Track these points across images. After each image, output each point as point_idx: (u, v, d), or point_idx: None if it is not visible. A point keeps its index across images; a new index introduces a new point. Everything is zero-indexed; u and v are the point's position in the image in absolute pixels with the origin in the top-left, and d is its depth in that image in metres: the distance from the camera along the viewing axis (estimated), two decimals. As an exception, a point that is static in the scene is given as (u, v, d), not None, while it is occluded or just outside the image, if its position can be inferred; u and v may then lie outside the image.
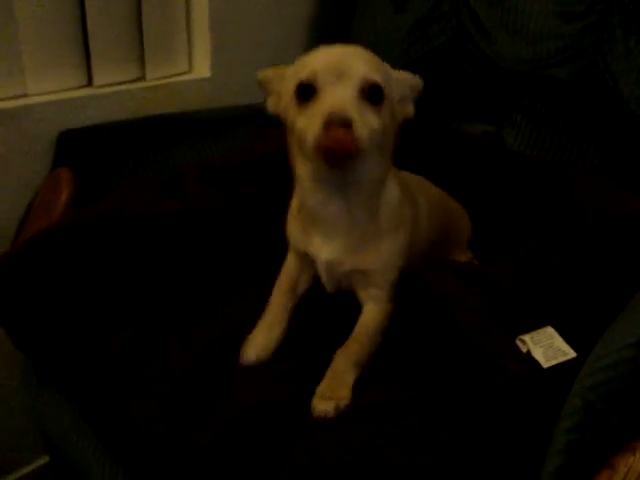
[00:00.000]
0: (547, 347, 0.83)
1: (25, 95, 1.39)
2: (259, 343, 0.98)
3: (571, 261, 0.99)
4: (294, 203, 1.03)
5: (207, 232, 1.16)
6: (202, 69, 1.63)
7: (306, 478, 0.76)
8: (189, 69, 1.64)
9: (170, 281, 1.11)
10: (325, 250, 0.97)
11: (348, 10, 1.70)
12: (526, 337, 0.84)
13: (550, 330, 0.86)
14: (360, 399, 0.86)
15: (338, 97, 0.81)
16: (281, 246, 1.16)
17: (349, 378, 0.90)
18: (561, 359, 0.82)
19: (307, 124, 0.82)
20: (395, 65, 1.56)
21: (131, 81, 1.53)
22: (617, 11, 1.34)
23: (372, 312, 0.97)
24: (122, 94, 1.48)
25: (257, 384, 0.91)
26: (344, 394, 0.88)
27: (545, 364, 0.81)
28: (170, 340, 1.01)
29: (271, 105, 0.95)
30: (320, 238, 0.97)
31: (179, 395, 0.93)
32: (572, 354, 0.83)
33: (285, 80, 0.90)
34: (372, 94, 0.83)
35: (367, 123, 0.81)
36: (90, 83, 1.48)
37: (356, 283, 0.99)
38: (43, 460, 1.56)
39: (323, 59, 0.85)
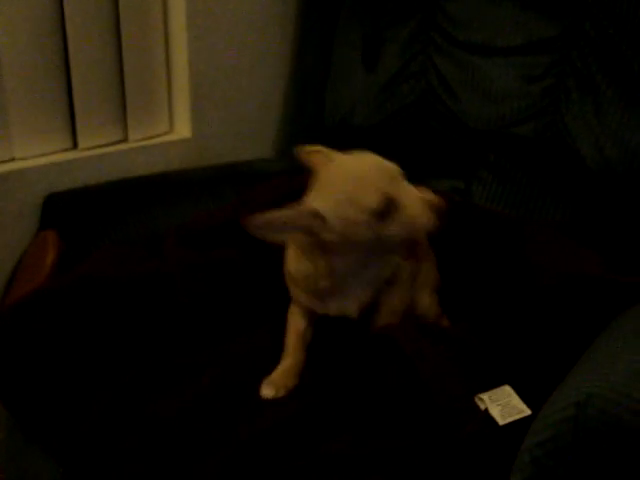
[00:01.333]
0: (504, 405, 0.89)
1: (13, 159, 1.46)
2: (279, 381, 1.05)
3: (528, 321, 1.05)
4: (307, 268, 1.06)
5: (185, 294, 1.22)
6: (183, 130, 1.70)
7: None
8: (170, 130, 1.72)
9: (150, 341, 1.16)
10: (351, 301, 1.08)
11: (324, 69, 1.78)
12: (484, 396, 0.90)
13: (507, 389, 0.91)
14: (325, 450, 0.91)
15: (416, 192, 0.97)
16: (259, 306, 1.22)
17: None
18: (517, 417, 0.88)
19: (400, 227, 0.95)
20: (367, 123, 1.65)
21: (114, 143, 1.60)
22: (572, 74, 1.43)
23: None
24: (106, 156, 1.55)
25: (231, 444, 0.96)
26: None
27: (501, 422, 0.87)
28: (150, 400, 1.05)
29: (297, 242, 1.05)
30: (336, 303, 1.08)
31: (163, 452, 0.97)
32: (527, 412, 0.89)
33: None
34: None
35: None
36: (75, 146, 1.55)
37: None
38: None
39: (376, 181, 0.95)
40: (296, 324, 1.14)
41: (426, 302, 1.20)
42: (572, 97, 1.43)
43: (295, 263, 1.08)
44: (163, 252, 1.32)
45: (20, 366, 1.12)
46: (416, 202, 0.96)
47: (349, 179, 0.98)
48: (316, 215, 0.95)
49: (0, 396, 1.16)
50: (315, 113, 1.78)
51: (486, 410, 0.88)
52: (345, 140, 1.74)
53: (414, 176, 1.63)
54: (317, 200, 0.97)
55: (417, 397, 0.93)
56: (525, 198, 1.49)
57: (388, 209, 0.94)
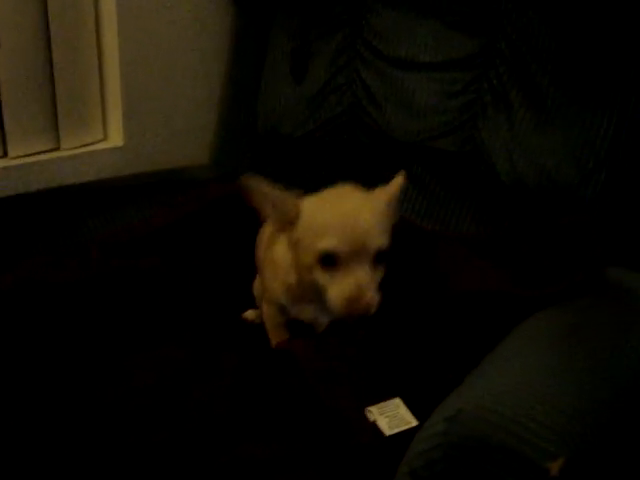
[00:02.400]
0: (392, 417, 0.95)
1: (-59, 168, 1.47)
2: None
3: (430, 333, 1.11)
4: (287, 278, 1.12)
5: (108, 301, 1.26)
6: (115, 138, 1.72)
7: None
8: (103, 137, 1.74)
9: (74, 346, 1.20)
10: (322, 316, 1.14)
11: (256, 79, 1.82)
12: (373, 408, 0.96)
13: (397, 401, 0.98)
14: (241, 451, 0.97)
15: (357, 280, 0.94)
16: (181, 312, 1.27)
17: None
18: (403, 427, 0.94)
19: (330, 285, 0.96)
20: (296, 133, 1.69)
21: (46, 151, 1.62)
22: (489, 91, 1.49)
23: None
24: (37, 165, 1.57)
25: (164, 439, 1.00)
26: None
27: (388, 432, 0.93)
28: (81, 402, 1.09)
29: (271, 220, 1.07)
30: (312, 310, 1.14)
31: (96, 456, 1.00)
32: (414, 423, 0.95)
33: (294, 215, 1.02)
34: (381, 257, 0.98)
35: (377, 284, 0.97)
36: (5, 154, 1.57)
37: None
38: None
39: (342, 233, 0.95)
40: (271, 316, 1.20)
41: None
42: (488, 113, 1.49)
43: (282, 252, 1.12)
44: (89, 260, 1.36)
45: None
46: (345, 287, 0.95)
47: (339, 213, 0.99)
48: (296, 207, 1.01)
49: None
50: (248, 121, 1.83)
51: (374, 422, 0.94)
52: (276, 149, 1.80)
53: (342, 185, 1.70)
54: (310, 201, 1.03)
55: (315, 409, 0.99)
56: (443, 210, 1.56)
57: (328, 263, 0.97)
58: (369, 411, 0.96)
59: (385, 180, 1.65)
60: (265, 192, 1.03)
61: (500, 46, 1.47)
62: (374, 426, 0.94)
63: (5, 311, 1.23)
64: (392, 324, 1.18)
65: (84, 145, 1.68)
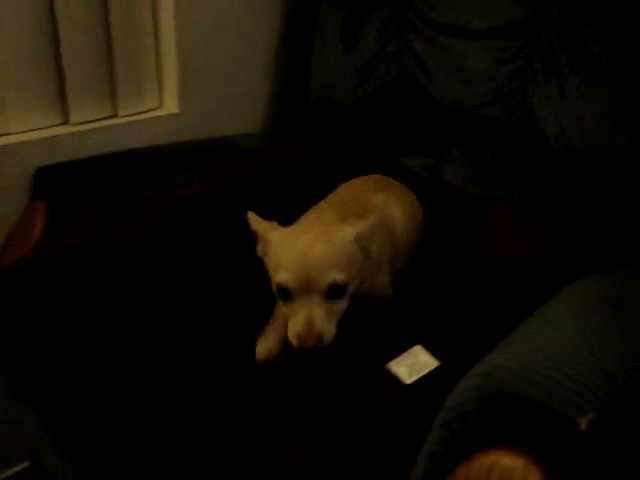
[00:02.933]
0: (412, 365, 0.97)
1: (7, 134, 1.55)
2: (270, 342, 1.10)
3: (465, 298, 1.13)
4: None
5: (161, 262, 1.31)
6: (171, 105, 1.77)
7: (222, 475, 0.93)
8: (159, 105, 1.79)
9: (126, 305, 1.26)
10: None
11: (307, 49, 1.84)
12: (391, 363, 0.99)
13: (417, 348, 1.00)
14: (263, 409, 1.01)
15: (307, 314, 0.97)
16: (228, 274, 1.31)
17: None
18: (424, 372, 0.96)
19: (289, 318, 1.00)
20: (346, 101, 1.71)
21: (104, 118, 1.68)
22: (539, 58, 1.48)
23: None
24: (96, 131, 1.63)
25: (194, 396, 1.06)
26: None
27: (408, 380, 0.95)
28: (123, 358, 1.16)
29: (259, 253, 1.11)
30: None
31: (127, 406, 1.07)
32: (435, 364, 0.97)
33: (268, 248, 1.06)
34: (336, 291, 0.99)
35: (332, 317, 0.99)
36: (66, 121, 1.63)
37: None
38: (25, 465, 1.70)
39: (293, 268, 0.98)
40: None
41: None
42: (538, 80, 1.49)
43: None
44: (143, 223, 1.41)
45: (6, 326, 1.23)
46: (297, 321, 0.98)
47: (294, 248, 1.01)
48: (266, 241, 1.06)
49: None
50: (300, 90, 1.85)
51: (394, 374, 0.97)
52: (326, 117, 1.83)
53: (390, 153, 1.72)
54: (277, 234, 1.06)
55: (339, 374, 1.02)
56: (492, 177, 1.56)
57: (283, 296, 1.01)
58: (388, 366, 0.99)
59: (432, 147, 1.69)
60: (254, 224, 1.08)
61: (552, 11, 1.46)
62: (394, 377, 0.97)
63: (63, 272, 1.29)
64: (430, 288, 1.21)
65: (141, 112, 1.74)
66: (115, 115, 1.70)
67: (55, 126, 1.62)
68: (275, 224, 1.09)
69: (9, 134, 1.55)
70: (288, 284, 0.98)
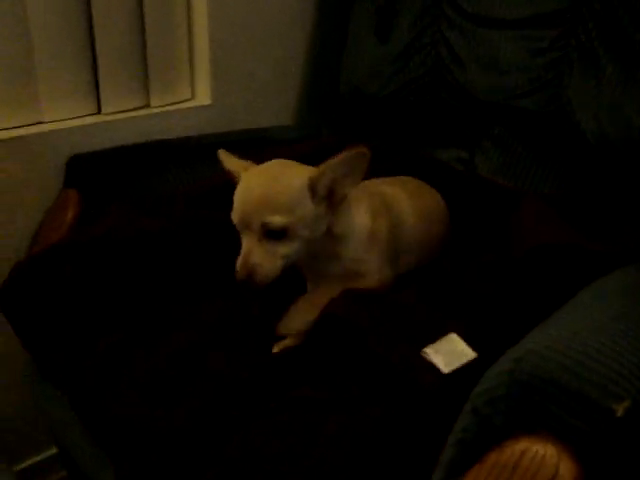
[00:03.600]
0: (449, 353, 0.95)
1: (40, 122, 1.56)
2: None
3: (497, 285, 1.11)
4: None
5: (188, 249, 1.31)
6: (203, 97, 1.78)
7: (245, 458, 0.93)
8: (191, 96, 1.80)
9: (152, 291, 1.27)
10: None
11: (340, 40, 1.83)
12: (428, 349, 0.96)
13: (453, 336, 0.98)
14: (295, 393, 1.00)
15: (245, 247, 1.03)
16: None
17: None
18: (461, 362, 0.94)
19: None
20: (380, 93, 1.69)
21: (137, 108, 1.69)
22: (576, 48, 1.45)
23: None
24: (128, 121, 1.64)
25: (215, 385, 1.05)
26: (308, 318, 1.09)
27: (446, 370, 0.93)
28: (150, 343, 1.17)
29: None
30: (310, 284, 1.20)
31: (155, 388, 1.08)
32: (472, 355, 0.95)
33: None
34: (273, 234, 1.02)
35: (272, 258, 1.03)
36: (99, 111, 1.65)
37: None
38: (53, 450, 1.72)
39: (236, 207, 1.05)
40: None
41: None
42: (575, 70, 1.46)
43: None
44: (173, 212, 1.41)
45: (36, 310, 1.24)
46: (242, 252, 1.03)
47: (242, 188, 1.07)
48: (239, 177, 1.10)
49: (21, 335, 1.28)
50: (331, 82, 1.85)
51: (431, 362, 0.95)
52: (359, 109, 1.81)
53: (422, 145, 1.71)
54: (246, 173, 1.10)
55: (372, 360, 1.00)
56: (524, 170, 1.54)
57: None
58: (425, 352, 0.97)
59: (465, 139, 1.66)
60: (226, 166, 1.14)
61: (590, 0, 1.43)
62: (432, 366, 0.95)
63: (95, 257, 1.30)
64: (462, 278, 1.19)
65: (173, 103, 1.74)
66: (147, 105, 1.71)
67: (88, 115, 1.63)
68: (250, 163, 1.13)
69: (43, 122, 1.57)
70: (234, 221, 1.05)
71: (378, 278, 1.16)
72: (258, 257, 1.01)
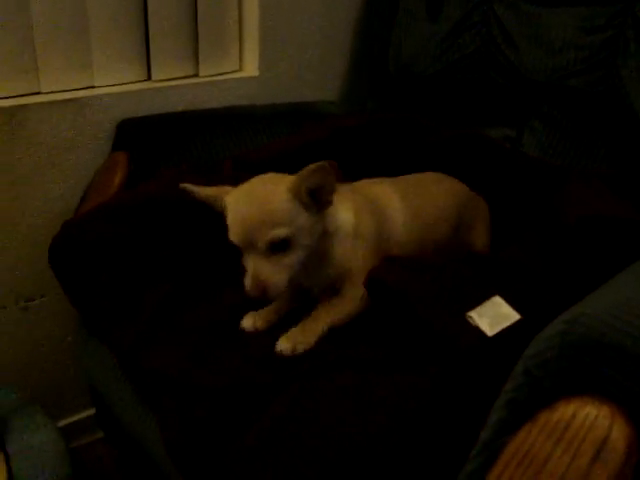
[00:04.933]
0: (493, 316, 0.95)
1: (92, 86, 1.59)
2: (259, 314, 1.15)
3: (535, 251, 1.10)
4: None
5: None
6: (251, 68, 1.79)
7: (289, 416, 0.93)
8: (239, 68, 1.81)
9: (197, 251, 1.28)
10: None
11: (389, 18, 1.83)
12: (472, 313, 0.96)
13: (497, 299, 0.97)
14: (342, 353, 1.01)
15: (253, 267, 1.03)
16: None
17: (319, 329, 1.07)
18: (506, 324, 0.94)
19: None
20: (428, 71, 1.69)
21: (186, 77, 1.71)
22: (632, 26, 1.43)
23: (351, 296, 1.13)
24: (177, 88, 1.66)
25: (260, 343, 1.07)
26: (308, 340, 1.05)
27: (490, 332, 0.93)
28: (195, 301, 1.18)
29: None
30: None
31: (197, 348, 1.09)
32: (516, 317, 0.94)
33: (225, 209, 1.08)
34: (279, 246, 1.02)
35: (280, 270, 1.03)
36: (149, 77, 1.67)
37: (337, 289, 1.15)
38: (89, 412, 1.76)
39: (236, 229, 1.04)
40: None
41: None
42: (630, 49, 1.44)
43: None
44: (221, 174, 1.43)
45: (84, 267, 1.26)
46: (247, 276, 1.03)
47: (237, 210, 1.05)
48: (223, 203, 1.09)
49: (69, 292, 1.30)
50: (379, 59, 1.84)
51: (477, 326, 0.95)
52: (407, 87, 1.81)
53: (469, 123, 1.70)
54: (231, 196, 1.08)
55: (415, 323, 1.01)
56: (573, 149, 1.52)
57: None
58: (469, 316, 0.97)
59: (513, 118, 1.65)
60: (201, 195, 1.12)
61: (649, -22, 1.41)
62: (476, 329, 0.95)
63: (136, 217, 1.32)
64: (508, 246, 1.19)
65: (221, 74, 1.76)
66: (196, 75, 1.73)
67: (138, 82, 1.66)
68: (228, 188, 1.11)
69: (94, 87, 1.59)
70: (235, 242, 1.04)
71: (359, 266, 1.15)
72: (267, 273, 1.02)
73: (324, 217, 1.09)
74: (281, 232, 1.01)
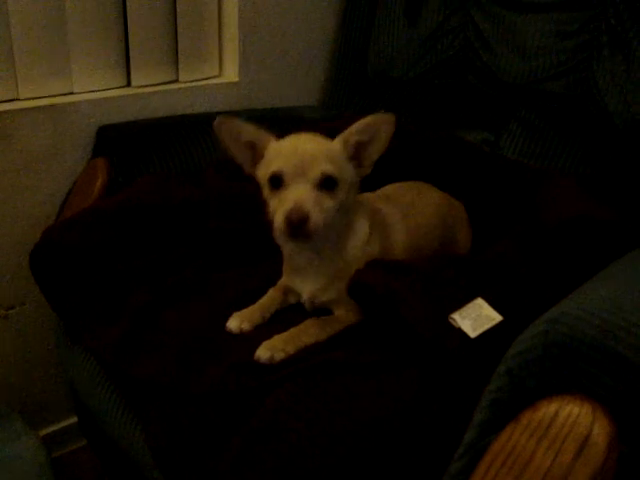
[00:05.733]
0: (475, 318, 0.96)
1: (72, 93, 1.58)
2: (244, 316, 1.14)
3: (516, 252, 1.12)
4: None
5: (215, 218, 1.33)
6: (231, 74, 1.80)
7: (275, 419, 0.93)
8: (219, 73, 1.82)
9: (177, 257, 1.29)
10: (304, 289, 1.16)
11: (368, 22, 1.84)
12: (455, 315, 0.97)
13: (479, 301, 0.98)
14: (327, 356, 1.01)
15: (298, 194, 1.01)
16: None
17: (302, 341, 1.06)
18: (488, 325, 0.95)
19: (276, 208, 1.03)
20: (406, 75, 1.70)
21: (165, 83, 1.71)
22: (606, 31, 1.46)
23: (345, 314, 1.14)
24: (157, 94, 1.67)
25: (244, 348, 1.06)
26: (287, 349, 1.04)
27: (472, 334, 0.94)
28: (177, 306, 1.18)
29: (246, 166, 1.14)
30: (299, 279, 1.16)
31: (181, 353, 1.09)
32: (498, 318, 0.96)
33: (264, 153, 1.09)
34: (327, 183, 1.03)
35: (322, 208, 1.02)
36: (129, 84, 1.67)
37: (330, 306, 1.15)
38: (72, 420, 1.75)
39: (288, 157, 1.03)
40: (282, 282, 1.22)
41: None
42: (604, 54, 1.46)
43: None
44: (202, 182, 1.43)
45: (66, 273, 1.26)
46: (286, 204, 1.01)
47: (289, 145, 1.07)
48: (267, 143, 1.10)
49: (50, 299, 1.30)
50: (358, 64, 1.86)
51: (459, 327, 0.96)
52: (385, 91, 1.82)
53: (447, 127, 1.71)
54: (275, 140, 1.11)
55: (400, 326, 1.01)
56: (550, 152, 1.54)
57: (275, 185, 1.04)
58: (452, 318, 0.98)
59: (491, 122, 1.67)
60: (242, 128, 1.11)
61: (622, -18, 1.43)
62: (459, 331, 0.96)
63: (119, 222, 1.33)
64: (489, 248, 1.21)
65: (201, 79, 1.76)
66: (176, 80, 1.73)
67: (118, 88, 1.65)
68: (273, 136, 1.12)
69: (73, 93, 1.58)
70: (283, 169, 1.02)
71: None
72: (311, 204, 1.00)
73: (345, 215, 1.09)
74: (334, 169, 1.02)
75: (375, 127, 1.06)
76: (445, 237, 1.32)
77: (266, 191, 1.07)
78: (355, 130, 1.07)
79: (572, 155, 1.52)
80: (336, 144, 1.07)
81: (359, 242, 1.14)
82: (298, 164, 1.02)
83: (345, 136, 1.07)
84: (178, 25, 1.68)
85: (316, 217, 1.00)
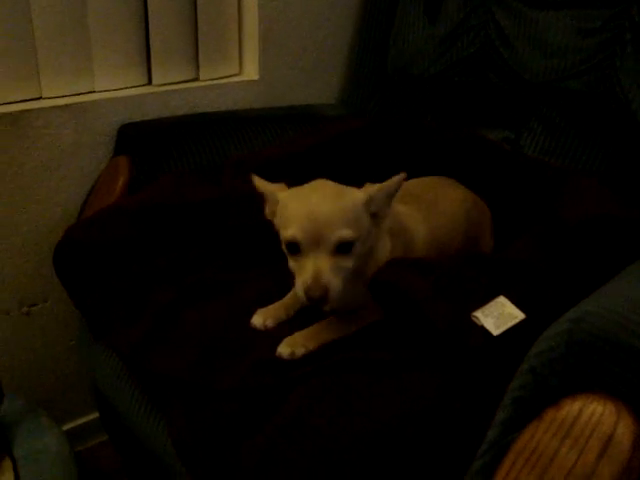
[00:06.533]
0: (498, 316, 0.96)
1: (93, 91, 1.60)
2: (269, 313, 1.14)
3: (538, 250, 1.12)
4: None
5: (235, 218, 1.33)
6: (251, 72, 1.80)
7: (298, 416, 0.93)
8: (239, 71, 1.83)
9: (198, 257, 1.29)
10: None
11: (388, 20, 1.84)
12: (478, 313, 0.97)
13: (501, 299, 0.98)
14: (348, 354, 1.02)
15: (317, 266, 0.98)
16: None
17: (323, 337, 1.06)
18: (510, 323, 0.95)
19: (295, 270, 1.02)
20: (427, 73, 1.70)
21: (186, 81, 1.72)
22: (629, 28, 1.44)
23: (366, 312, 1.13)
24: (178, 92, 1.67)
25: (266, 345, 1.07)
26: (308, 345, 1.04)
27: (495, 332, 0.94)
28: (200, 305, 1.18)
29: (268, 214, 1.12)
30: None
31: (204, 350, 1.09)
32: (521, 316, 0.96)
33: (276, 207, 1.07)
34: (345, 247, 1.00)
35: (340, 271, 1.00)
36: (150, 82, 1.68)
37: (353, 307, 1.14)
38: (93, 415, 1.77)
39: (302, 223, 0.99)
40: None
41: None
42: (627, 51, 1.45)
43: None
44: (221, 181, 1.44)
45: (88, 271, 1.27)
46: (305, 273, 0.99)
47: (303, 205, 1.02)
48: (277, 199, 1.07)
49: (74, 297, 1.31)
50: (378, 61, 1.85)
51: (482, 325, 0.96)
52: (405, 89, 1.82)
53: (468, 125, 1.71)
54: (287, 193, 1.07)
55: (423, 325, 1.01)
56: (571, 150, 1.53)
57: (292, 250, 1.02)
58: (474, 316, 0.98)
59: (511, 120, 1.67)
60: (260, 186, 1.10)
61: (646, -20, 1.42)
62: (482, 329, 0.96)
63: (140, 221, 1.34)
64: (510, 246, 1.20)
65: (221, 77, 1.77)
66: (196, 79, 1.74)
67: (139, 86, 1.66)
68: (283, 185, 1.10)
69: (95, 92, 1.60)
70: (297, 238, 0.99)
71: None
72: (329, 273, 0.98)
73: (371, 242, 1.08)
74: (350, 233, 0.99)
75: (395, 186, 1.05)
76: (469, 234, 1.32)
77: (284, 248, 1.05)
78: (386, 189, 1.04)
79: (593, 153, 1.50)
80: (359, 198, 1.03)
81: (383, 259, 1.12)
82: (314, 232, 0.98)
83: (373, 192, 1.04)
84: (198, 24, 1.69)
85: (335, 285, 0.99)
